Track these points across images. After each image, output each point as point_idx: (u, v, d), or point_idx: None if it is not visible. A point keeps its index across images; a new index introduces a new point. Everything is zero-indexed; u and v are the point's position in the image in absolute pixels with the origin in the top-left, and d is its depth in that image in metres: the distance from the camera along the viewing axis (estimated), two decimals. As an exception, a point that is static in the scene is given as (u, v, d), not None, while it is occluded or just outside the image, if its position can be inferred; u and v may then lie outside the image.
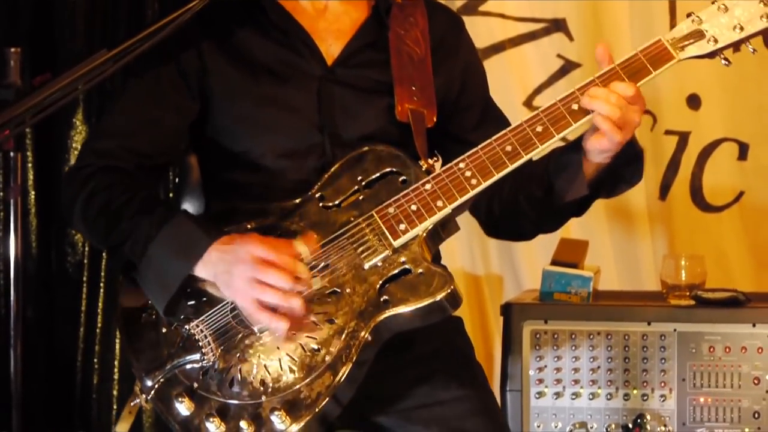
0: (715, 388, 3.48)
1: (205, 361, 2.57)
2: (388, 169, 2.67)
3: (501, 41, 4.39)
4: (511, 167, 2.60)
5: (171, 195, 4.22)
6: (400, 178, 2.65)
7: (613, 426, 3.51)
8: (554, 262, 3.68)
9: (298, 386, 2.53)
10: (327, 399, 2.51)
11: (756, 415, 3.46)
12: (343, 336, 2.55)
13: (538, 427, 3.53)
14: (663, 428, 3.48)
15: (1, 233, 3.97)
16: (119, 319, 2.69)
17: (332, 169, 2.69)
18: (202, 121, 2.80)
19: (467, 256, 4.39)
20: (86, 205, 2.68)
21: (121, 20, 4.36)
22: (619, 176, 2.70)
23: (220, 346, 2.57)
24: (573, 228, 3.98)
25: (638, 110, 2.58)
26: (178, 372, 2.57)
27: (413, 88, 2.78)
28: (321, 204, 2.67)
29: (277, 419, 2.50)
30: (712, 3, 2.59)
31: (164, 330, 2.60)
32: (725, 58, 2.60)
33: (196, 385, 2.57)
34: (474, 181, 2.60)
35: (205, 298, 2.60)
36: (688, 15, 2.60)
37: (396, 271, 2.59)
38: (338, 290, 2.58)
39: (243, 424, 2.52)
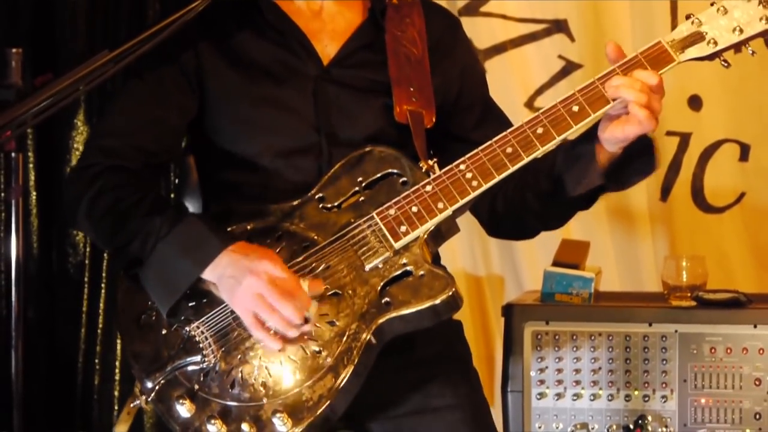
0: (716, 389, 3.48)
1: (205, 363, 2.56)
2: (388, 171, 2.66)
3: (502, 42, 4.39)
4: (511, 169, 2.59)
5: (172, 195, 4.22)
6: (401, 180, 2.65)
7: (615, 427, 3.51)
8: (555, 263, 3.68)
9: (299, 388, 2.53)
10: (329, 401, 2.51)
11: (757, 416, 3.46)
12: (345, 338, 2.54)
13: (540, 428, 3.53)
14: (664, 429, 3.48)
15: (3, 234, 3.96)
16: (119, 320, 2.69)
17: (332, 170, 2.69)
18: (198, 121, 2.80)
19: (468, 257, 4.39)
20: (93, 204, 2.67)
21: (123, 20, 4.36)
22: (631, 167, 2.68)
23: (220, 347, 2.57)
24: (574, 229, 3.98)
25: (659, 99, 2.57)
26: (178, 374, 2.57)
27: (411, 89, 2.78)
28: (321, 205, 2.66)
29: (279, 421, 2.50)
30: (711, 5, 2.58)
31: (164, 331, 2.60)
32: (725, 60, 2.59)
33: (196, 387, 2.56)
34: (475, 183, 2.60)
35: (205, 300, 2.60)
36: (688, 17, 2.59)
37: (397, 273, 2.58)
38: (339, 292, 2.58)
39: (244, 426, 2.52)
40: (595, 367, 3.52)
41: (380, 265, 2.59)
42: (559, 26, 4.38)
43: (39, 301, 4.29)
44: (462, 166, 2.61)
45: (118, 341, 4.27)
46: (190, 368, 2.57)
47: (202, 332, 2.58)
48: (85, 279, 4.33)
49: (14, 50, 3.28)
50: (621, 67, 2.57)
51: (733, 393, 3.47)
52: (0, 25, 4.26)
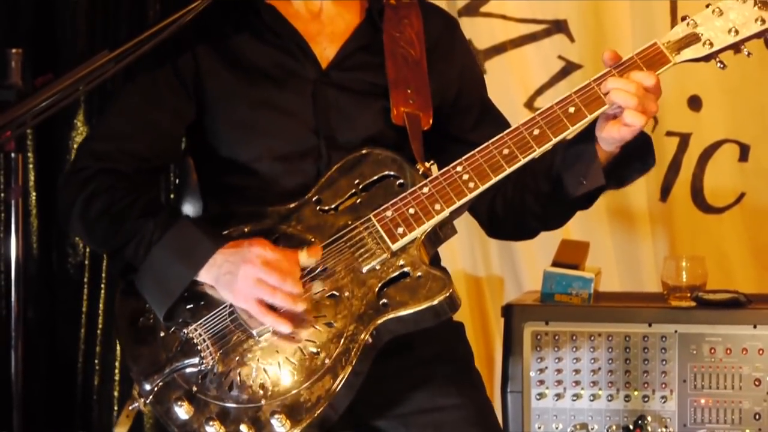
0: (715, 389, 3.48)
1: (203, 365, 2.56)
2: (385, 173, 2.66)
3: (502, 42, 4.39)
4: (508, 170, 2.59)
5: (171, 196, 4.22)
6: (397, 182, 2.65)
7: (614, 427, 3.51)
8: (555, 264, 3.68)
9: (297, 390, 2.53)
10: (327, 402, 2.51)
11: (757, 417, 3.46)
12: (342, 339, 2.54)
13: (539, 428, 3.53)
14: (664, 429, 3.49)
15: (3, 234, 3.97)
16: (116, 323, 2.68)
17: (329, 173, 2.69)
18: (197, 124, 2.80)
19: (468, 258, 4.39)
20: (86, 207, 2.67)
21: (123, 20, 4.36)
22: (630, 164, 2.68)
23: (218, 349, 2.57)
24: (574, 229, 3.98)
25: (655, 99, 2.57)
26: (176, 376, 2.57)
27: (408, 91, 2.78)
28: (318, 207, 2.66)
29: (277, 423, 2.50)
30: (707, 6, 2.58)
31: (162, 334, 2.60)
32: (720, 62, 2.59)
33: (195, 389, 2.56)
34: (472, 185, 2.60)
35: (202, 302, 2.60)
36: (683, 18, 2.59)
37: (394, 275, 2.58)
38: (337, 293, 2.58)
39: (243, 427, 2.52)
40: (594, 368, 3.52)
41: (377, 267, 2.59)
42: (559, 27, 4.37)
43: (39, 302, 4.29)
44: (459, 168, 2.61)
45: (118, 342, 4.28)
46: (188, 370, 2.57)
47: (200, 334, 2.58)
48: (85, 279, 4.33)
49: (14, 50, 3.28)
50: (617, 69, 2.57)
51: (733, 393, 3.48)
52: (0, 25, 4.26)
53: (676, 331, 3.50)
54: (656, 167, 4.13)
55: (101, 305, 4.31)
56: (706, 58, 2.59)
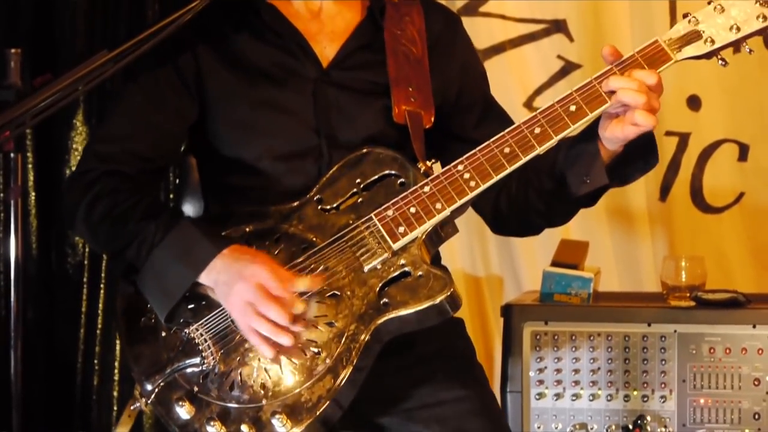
0: (715, 389, 3.48)
1: (205, 365, 2.56)
2: (386, 172, 2.66)
3: (501, 42, 4.39)
4: (509, 169, 2.59)
5: (171, 196, 4.22)
6: (399, 181, 2.65)
7: (614, 427, 3.51)
8: (554, 263, 3.68)
9: (298, 390, 2.53)
10: (328, 402, 2.51)
11: (756, 417, 3.46)
12: (343, 339, 2.54)
13: (539, 428, 3.54)
14: (663, 429, 3.49)
15: (2, 234, 3.97)
16: (118, 323, 2.69)
17: (330, 172, 2.69)
18: (199, 124, 2.79)
19: (467, 257, 4.39)
20: (90, 209, 2.67)
21: (122, 20, 4.35)
22: (633, 163, 2.67)
23: (220, 349, 2.57)
24: (573, 229, 3.98)
25: (657, 97, 2.56)
26: (178, 376, 2.57)
27: (410, 89, 2.77)
28: (319, 207, 2.66)
29: (278, 423, 2.50)
30: (708, 3, 2.58)
31: (163, 334, 2.60)
32: (722, 59, 2.59)
33: (196, 389, 2.56)
34: (473, 184, 2.59)
35: (204, 302, 2.59)
36: (685, 15, 2.58)
37: (395, 274, 2.58)
38: (338, 293, 2.58)
39: (244, 427, 2.52)
40: (594, 368, 3.52)
41: (379, 266, 2.59)
42: (558, 26, 4.38)
43: (38, 302, 4.29)
44: (460, 167, 2.61)
45: (117, 342, 4.27)
46: (189, 370, 2.57)
47: (201, 334, 2.57)
48: (84, 279, 4.33)
49: (14, 50, 3.28)
50: (618, 66, 2.56)
51: (732, 393, 3.48)
52: (-1, 25, 4.27)
53: (675, 331, 3.50)
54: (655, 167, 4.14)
55: (100, 305, 4.31)
56: (708, 56, 2.58)
